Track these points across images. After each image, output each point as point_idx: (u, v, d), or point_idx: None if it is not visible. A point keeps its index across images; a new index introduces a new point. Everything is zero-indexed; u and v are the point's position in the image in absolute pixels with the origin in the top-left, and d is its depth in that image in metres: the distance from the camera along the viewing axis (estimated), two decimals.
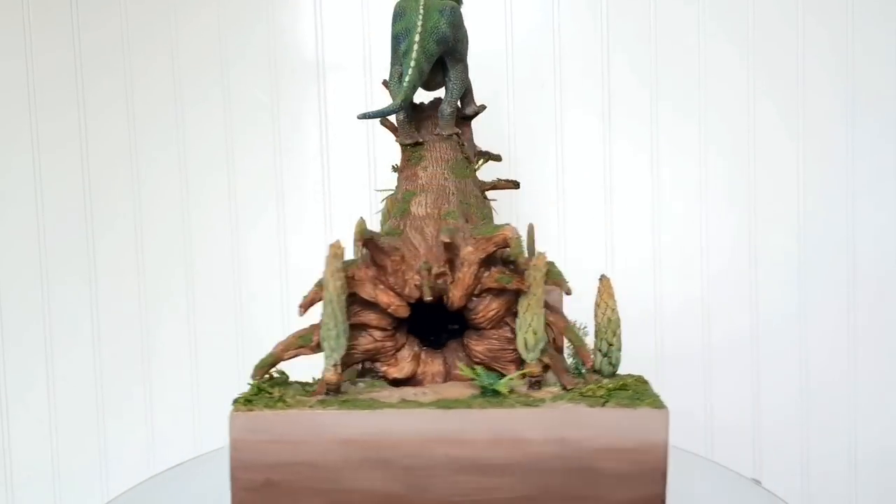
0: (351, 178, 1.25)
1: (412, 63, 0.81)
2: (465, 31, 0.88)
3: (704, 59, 1.27)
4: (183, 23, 1.25)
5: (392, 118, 0.88)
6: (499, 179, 0.91)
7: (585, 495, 0.57)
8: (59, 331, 1.25)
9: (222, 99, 1.25)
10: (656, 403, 0.57)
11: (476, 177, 0.87)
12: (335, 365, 0.58)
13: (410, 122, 0.88)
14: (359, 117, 0.79)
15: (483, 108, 0.99)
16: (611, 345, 0.61)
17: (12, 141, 1.24)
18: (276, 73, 1.25)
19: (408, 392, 0.60)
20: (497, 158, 1.02)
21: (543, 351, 0.60)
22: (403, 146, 0.88)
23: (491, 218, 0.77)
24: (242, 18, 1.27)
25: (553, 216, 1.28)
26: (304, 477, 0.57)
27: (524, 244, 0.62)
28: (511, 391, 0.59)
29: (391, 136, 1.20)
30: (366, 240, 0.57)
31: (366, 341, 0.64)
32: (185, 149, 1.25)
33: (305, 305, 0.58)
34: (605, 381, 0.61)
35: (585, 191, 1.29)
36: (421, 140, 0.88)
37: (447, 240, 0.57)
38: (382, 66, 1.24)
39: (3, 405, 1.25)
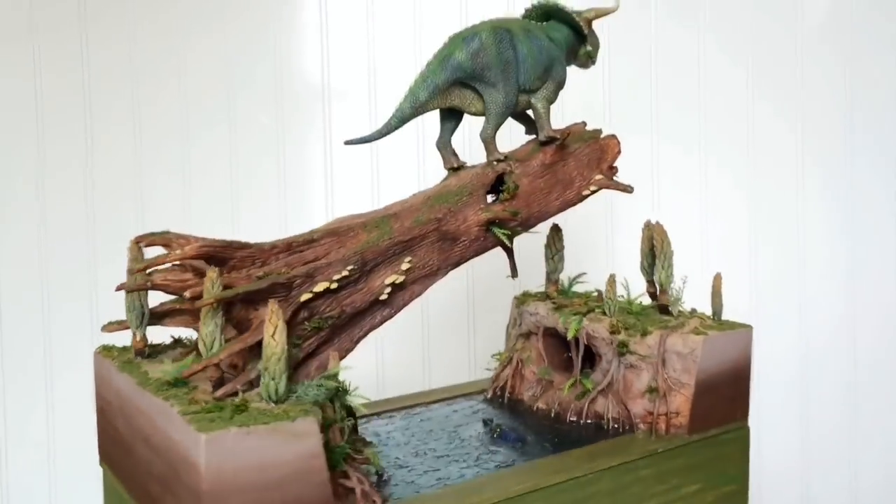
0: (355, 202, 1.23)
1: (407, 92, 0.85)
2: (507, 55, 0.85)
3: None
4: (190, 48, 1.25)
5: None
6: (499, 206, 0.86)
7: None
8: (59, 353, 1.24)
9: (228, 124, 1.24)
10: (207, 428, 0.57)
11: (472, 206, 0.85)
12: (133, 334, 0.76)
13: (446, 147, 0.91)
14: (345, 143, 0.88)
15: (568, 132, 0.91)
16: (265, 369, 0.61)
17: (18, 163, 1.23)
18: (281, 98, 1.26)
19: (168, 368, 0.73)
20: (628, 190, 0.93)
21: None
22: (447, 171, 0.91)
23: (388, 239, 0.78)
24: (248, 44, 1.25)
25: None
26: (111, 409, 0.77)
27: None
28: (194, 387, 0.67)
29: (396, 162, 1.21)
30: (142, 238, 0.73)
31: None
32: (190, 173, 1.23)
33: (119, 288, 0.77)
34: (263, 405, 0.62)
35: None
36: (457, 166, 0.90)
37: (146, 243, 0.69)
38: (387, 91, 1.17)
39: (2, 428, 1.23)
